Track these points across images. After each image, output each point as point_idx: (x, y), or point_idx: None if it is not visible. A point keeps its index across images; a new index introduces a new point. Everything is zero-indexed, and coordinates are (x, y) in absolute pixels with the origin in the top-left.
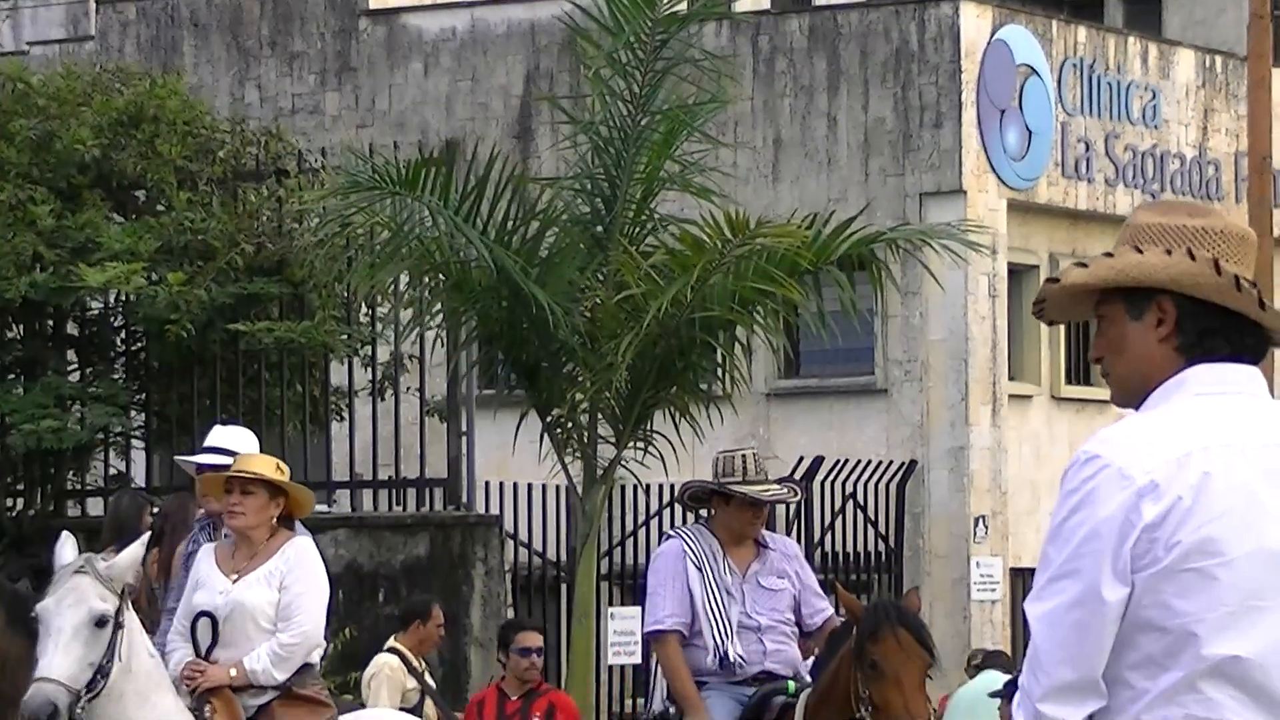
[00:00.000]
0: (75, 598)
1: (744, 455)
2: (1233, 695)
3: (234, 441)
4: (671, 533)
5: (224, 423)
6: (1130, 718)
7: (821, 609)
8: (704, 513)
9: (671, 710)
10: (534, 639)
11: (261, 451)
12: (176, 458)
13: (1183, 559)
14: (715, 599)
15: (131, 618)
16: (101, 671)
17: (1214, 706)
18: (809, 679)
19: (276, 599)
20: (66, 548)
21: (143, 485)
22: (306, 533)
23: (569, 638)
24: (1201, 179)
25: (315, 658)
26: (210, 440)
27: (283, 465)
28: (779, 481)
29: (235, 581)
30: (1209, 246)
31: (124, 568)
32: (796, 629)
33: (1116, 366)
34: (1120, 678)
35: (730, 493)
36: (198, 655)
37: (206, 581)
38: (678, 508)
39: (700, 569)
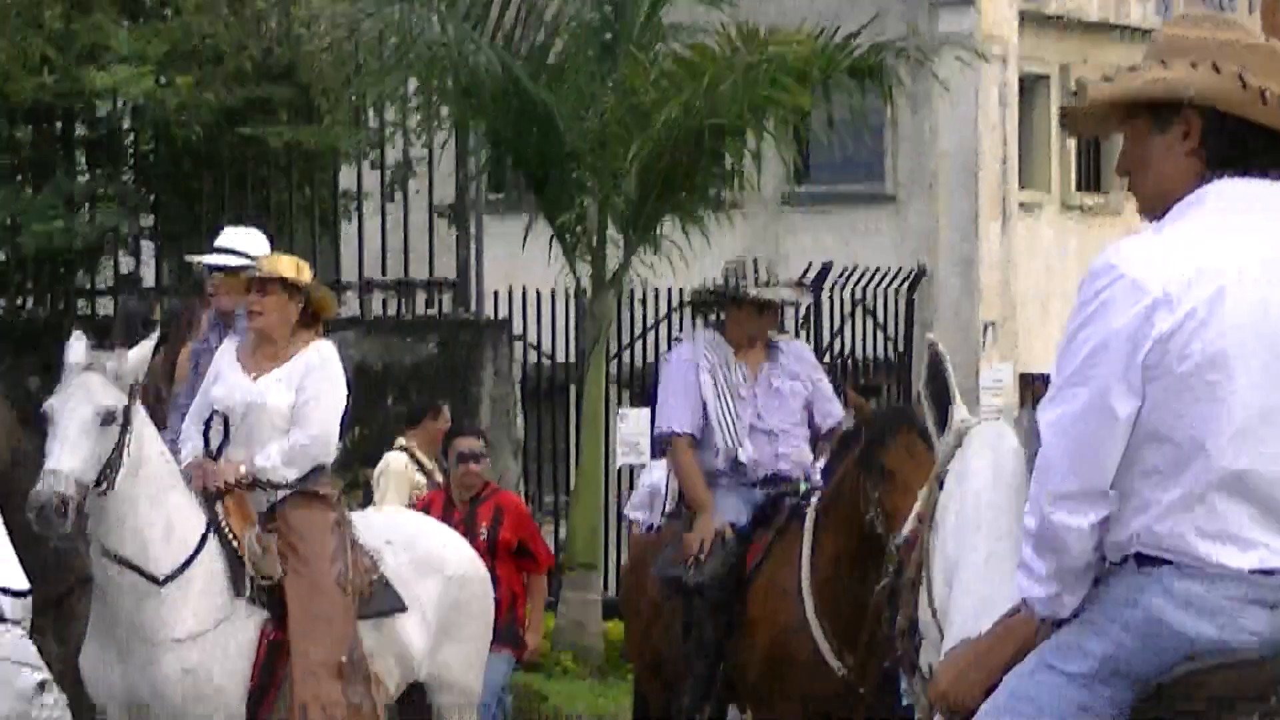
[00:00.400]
0: (83, 394)
1: (754, 260)
2: (1242, 509)
3: (244, 242)
4: (682, 337)
5: (234, 224)
6: (1139, 528)
7: (833, 412)
8: (714, 318)
9: (684, 511)
10: (472, 443)
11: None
12: (188, 257)
13: (1195, 372)
14: (726, 402)
15: (141, 416)
16: (110, 467)
17: (1223, 519)
18: (820, 481)
19: (293, 401)
20: (76, 346)
21: (152, 286)
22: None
23: (578, 441)
24: None
25: (327, 460)
26: (221, 241)
27: (304, 265)
28: (789, 284)
29: (255, 380)
30: (1235, 60)
31: (132, 365)
32: (808, 432)
33: (1142, 181)
34: (1130, 489)
35: (741, 296)
36: (208, 453)
37: (226, 377)
38: (687, 312)
39: (711, 373)
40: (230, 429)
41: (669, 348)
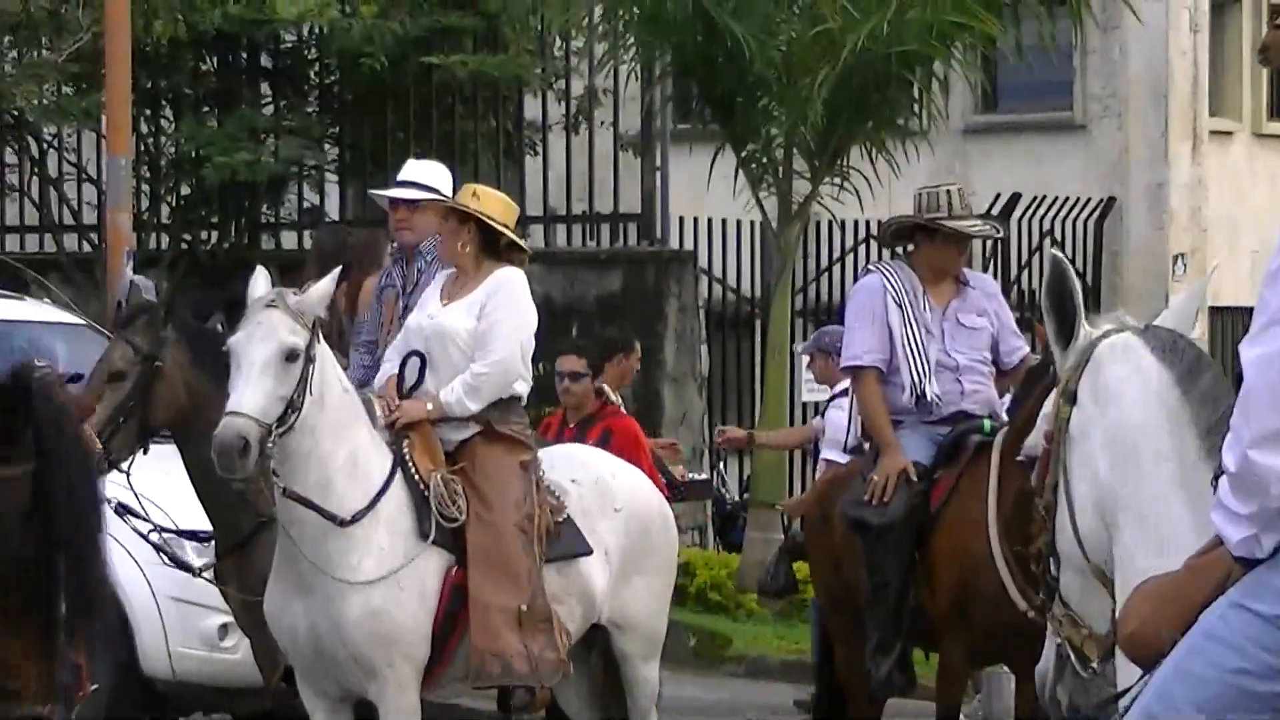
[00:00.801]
0: (265, 331)
1: (949, 190)
2: None
3: (427, 175)
4: (871, 268)
5: (418, 157)
6: None
7: (1018, 348)
8: (903, 250)
9: (866, 446)
10: (571, 363)
11: (455, 187)
12: (371, 191)
13: None
14: (914, 336)
15: (324, 352)
16: (292, 406)
17: None
18: (1005, 419)
19: (473, 327)
20: (259, 281)
21: (336, 219)
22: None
23: (763, 374)
24: None
25: (520, 390)
26: (404, 174)
27: (481, 191)
28: (981, 217)
29: (445, 306)
30: None
31: (315, 301)
32: (993, 368)
33: None
34: None
35: (936, 227)
36: (401, 388)
37: (424, 304)
38: (873, 244)
39: (900, 305)
40: (425, 363)
41: (855, 280)
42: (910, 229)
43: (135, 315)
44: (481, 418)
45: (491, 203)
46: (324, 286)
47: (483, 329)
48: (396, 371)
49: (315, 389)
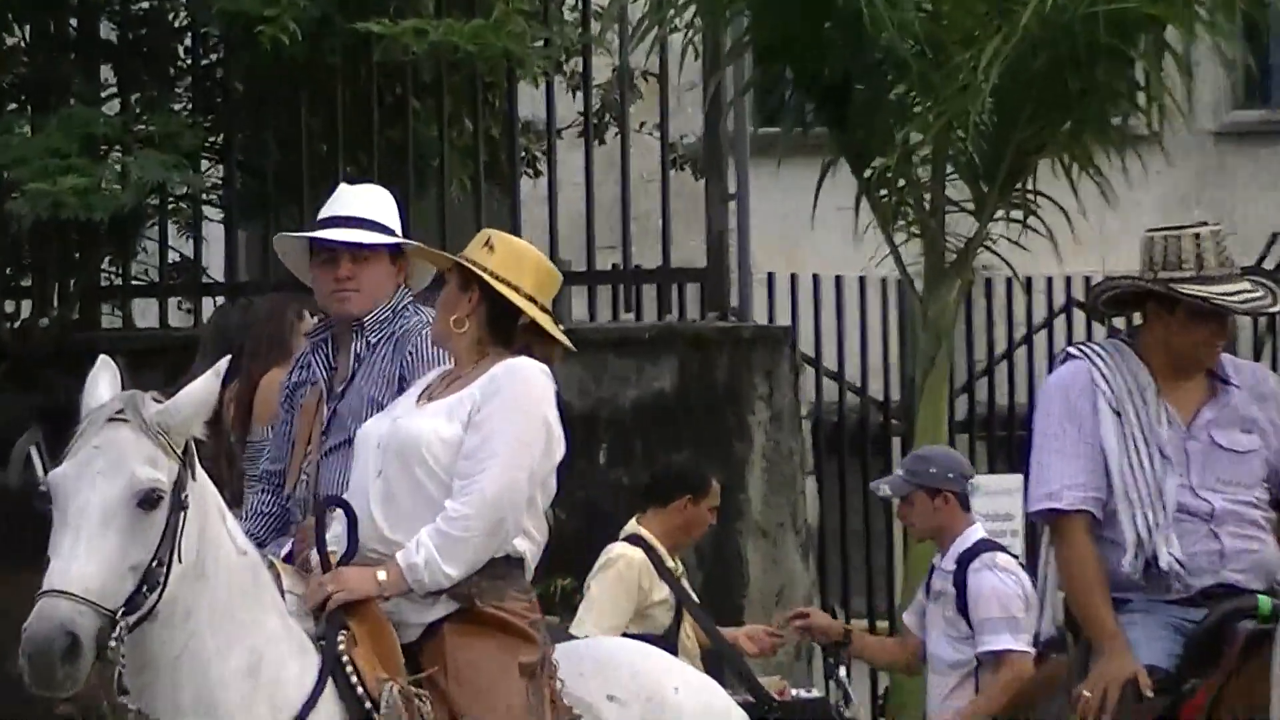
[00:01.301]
0: (109, 461)
1: (1197, 235)
2: None
3: (371, 206)
4: (1074, 351)
5: (351, 180)
6: None
7: None
8: (1124, 325)
9: (1071, 639)
10: None
11: (410, 229)
12: (277, 237)
13: None
14: (1142, 464)
15: (205, 492)
16: (149, 581)
17: None
18: None
19: (458, 437)
20: (101, 381)
21: (222, 278)
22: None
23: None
24: None
25: (523, 548)
26: (334, 206)
27: (499, 241)
28: (1249, 275)
29: (421, 406)
30: None
31: (189, 412)
32: (1272, 512)
33: None
34: None
35: (1178, 295)
36: (323, 550)
37: (391, 405)
38: (1078, 316)
39: (1119, 413)
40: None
41: (1050, 370)
42: (1137, 295)
43: None
44: (461, 591)
45: (514, 259)
46: (202, 388)
47: (470, 446)
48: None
49: (189, 551)
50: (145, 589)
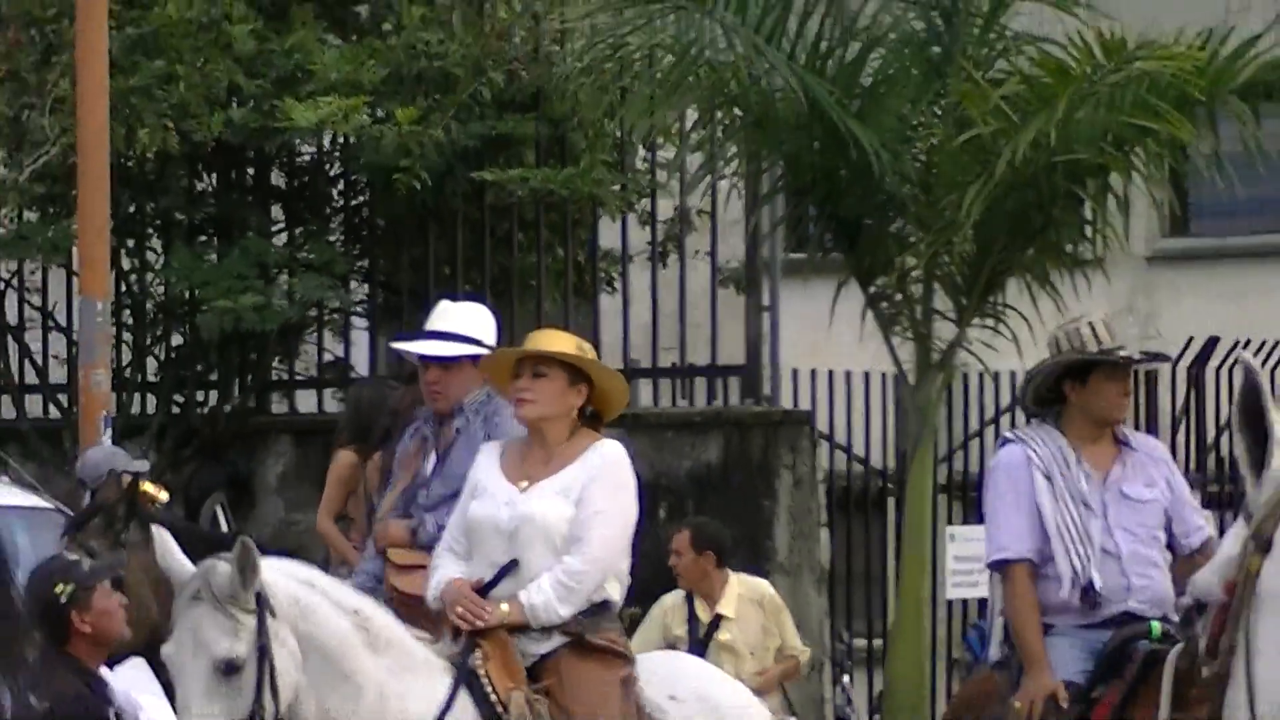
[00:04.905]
0: (192, 641)
1: (1090, 324)
2: None
3: (465, 322)
4: (1010, 435)
5: (461, 296)
6: None
7: (1198, 526)
8: (1049, 410)
9: (1011, 658)
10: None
11: (514, 334)
12: (393, 344)
13: None
14: (1071, 514)
15: (296, 604)
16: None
17: None
18: (1176, 621)
19: (573, 514)
20: (177, 556)
21: (366, 374)
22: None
23: (898, 564)
24: None
25: (614, 593)
26: (434, 321)
27: (585, 345)
28: (1142, 353)
29: (525, 490)
30: None
31: (250, 578)
32: (1167, 555)
33: None
34: None
35: (1093, 359)
36: (483, 590)
37: (488, 488)
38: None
39: (1049, 478)
40: (496, 555)
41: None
42: (1056, 381)
43: (91, 515)
44: (571, 627)
45: (592, 353)
46: (239, 561)
47: (581, 518)
48: (461, 569)
49: (290, 669)
50: None
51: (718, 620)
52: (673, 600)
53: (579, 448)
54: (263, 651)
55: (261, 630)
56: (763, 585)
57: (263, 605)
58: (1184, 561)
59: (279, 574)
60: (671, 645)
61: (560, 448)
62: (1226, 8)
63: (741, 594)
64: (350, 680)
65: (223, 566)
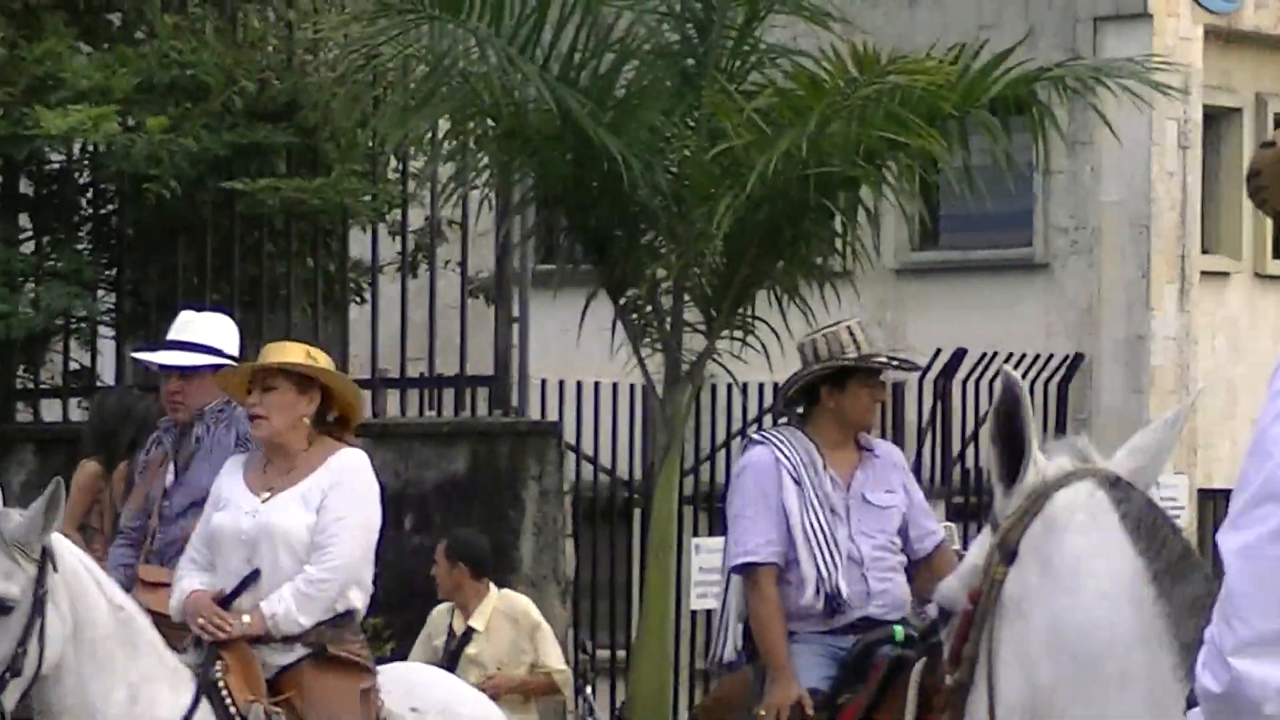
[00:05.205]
0: None
1: (848, 328)
2: None
3: (207, 332)
4: (758, 437)
5: (208, 307)
6: None
7: (931, 531)
8: (797, 412)
9: (746, 664)
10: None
11: (262, 343)
12: (134, 353)
13: None
14: (818, 520)
15: (76, 573)
16: (14, 668)
17: None
18: (915, 625)
19: (314, 522)
20: None
21: (112, 383)
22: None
23: (643, 575)
24: None
25: (357, 602)
26: (175, 331)
27: (315, 352)
28: (891, 358)
29: (266, 500)
30: None
31: (39, 523)
32: (903, 559)
33: None
34: None
35: (854, 366)
36: (225, 600)
37: (231, 499)
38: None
39: (798, 482)
40: (238, 565)
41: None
42: (807, 392)
43: None
44: (312, 638)
45: (330, 367)
46: (44, 504)
47: (321, 525)
48: (207, 579)
49: (59, 630)
50: (8, 674)
51: (469, 633)
52: (440, 611)
53: (320, 456)
54: (39, 602)
55: (41, 580)
56: (522, 602)
57: (46, 557)
58: (922, 566)
59: (66, 545)
60: (435, 656)
61: (301, 457)
62: (978, 23)
63: (498, 608)
64: (109, 673)
65: (15, 514)
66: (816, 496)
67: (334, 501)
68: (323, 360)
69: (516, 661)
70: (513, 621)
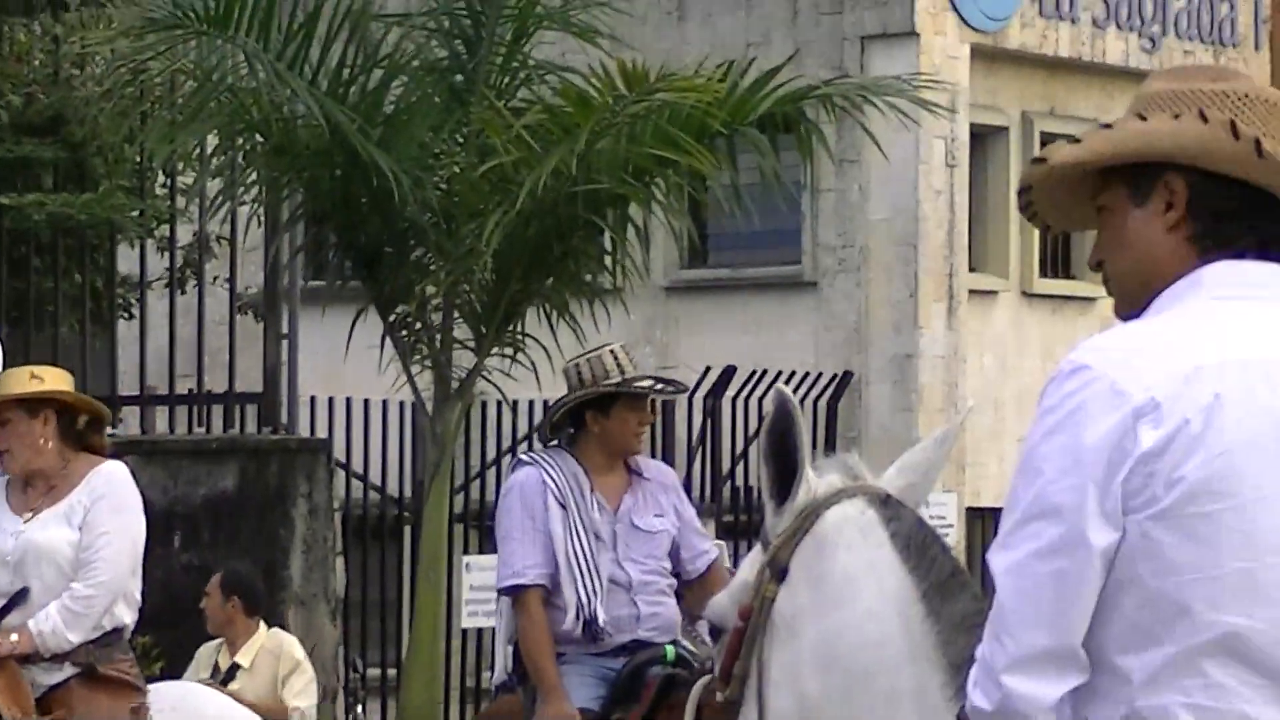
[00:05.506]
0: None
1: (612, 351)
2: (1244, 679)
3: None
4: (525, 458)
5: None
6: (1122, 706)
7: (704, 550)
8: (565, 435)
9: (518, 686)
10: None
11: (30, 360)
12: None
13: (1187, 500)
14: (582, 545)
15: None
16: None
17: (1224, 694)
18: (687, 645)
19: (78, 539)
20: None
21: None
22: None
23: (413, 593)
24: (1213, 20)
25: (125, 617)
26: None
27: (40, 370)
28: (658, 380)
29: (29, 520)
30: (1227, 109)
31: None
32: (673, 581)
33: (1117, 264)
34: (1103, 655)
35: (620, 390)
36: None
37: None
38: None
39: (564, 505)
40: (4, 585)
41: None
42: (580, 408)
43: None
44: (81, 657)
45: (60, 380)
46: None
47: (86, 542)
48: None
49: None
50: None
51: (234, 669)
52: (208, 649)
53: (80, 472)
54: None
55: None
56: (288, 641)
57: None
58: (695, 585)
59: None
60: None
61: (60, 476)
62: (746, 41)
63: (265, 646)
64: None
65: None
66: (581, 521)
67: (96, 517)
68: (50, 377)
69: (275, 699)
70: (275, 659)
